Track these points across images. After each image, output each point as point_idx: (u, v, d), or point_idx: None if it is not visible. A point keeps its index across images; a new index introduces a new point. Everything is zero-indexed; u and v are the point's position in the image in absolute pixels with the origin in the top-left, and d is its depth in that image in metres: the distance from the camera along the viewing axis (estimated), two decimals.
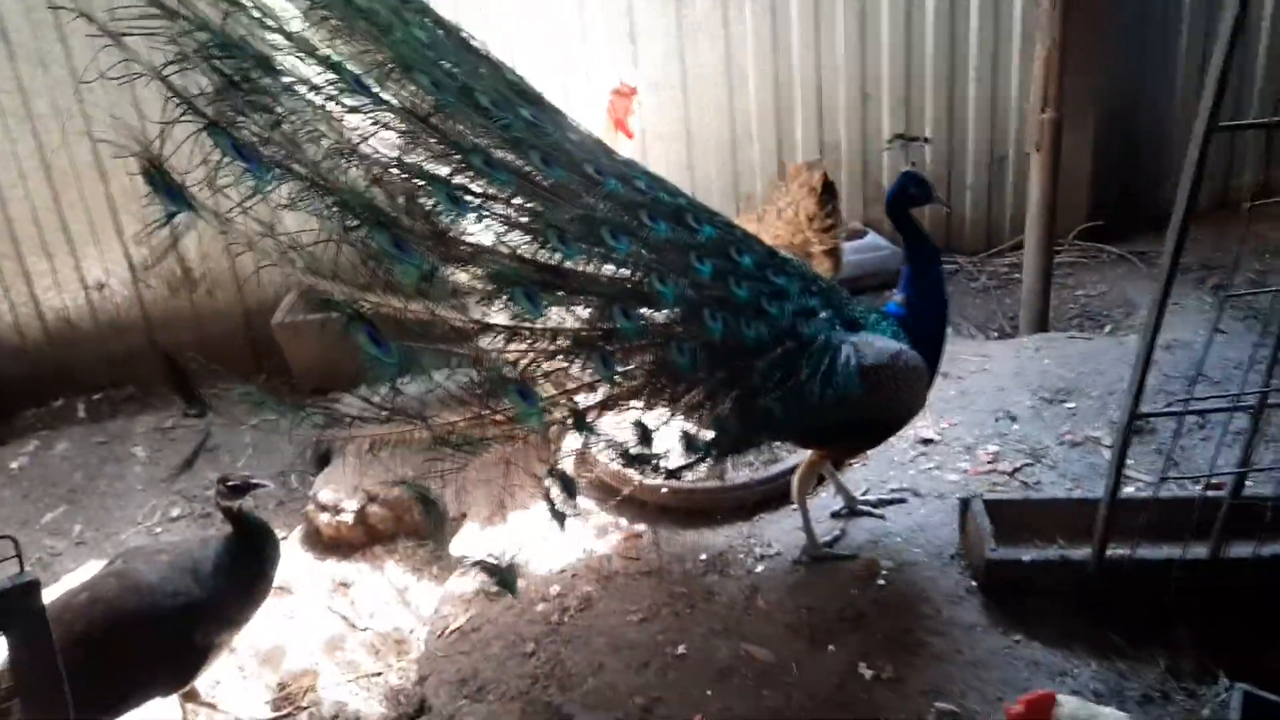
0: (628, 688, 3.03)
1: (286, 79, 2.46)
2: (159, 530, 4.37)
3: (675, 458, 3.08)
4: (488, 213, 2.70)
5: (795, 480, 3.48)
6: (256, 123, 2.37)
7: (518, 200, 2.75)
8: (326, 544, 4.23)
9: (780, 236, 4.74)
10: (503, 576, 2.98)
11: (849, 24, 5.83)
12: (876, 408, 3.14)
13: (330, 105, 2.51)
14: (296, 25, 2.52)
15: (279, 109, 2.41)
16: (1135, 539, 2.92)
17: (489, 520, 4.00)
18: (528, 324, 2.75)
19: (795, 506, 3.51)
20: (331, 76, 2.51)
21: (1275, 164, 6.17)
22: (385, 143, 2.60)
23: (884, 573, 3.35)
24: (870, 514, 3.65)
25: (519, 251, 2.74)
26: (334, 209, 2.45)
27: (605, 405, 2.96)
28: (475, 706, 3.06)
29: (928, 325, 3.23)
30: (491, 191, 2.71)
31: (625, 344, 2.87)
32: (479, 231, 2.68)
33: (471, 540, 3.84)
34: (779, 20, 5.77)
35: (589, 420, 2.95)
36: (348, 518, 4.19)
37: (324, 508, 4.21)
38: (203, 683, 3.28)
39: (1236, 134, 6.02)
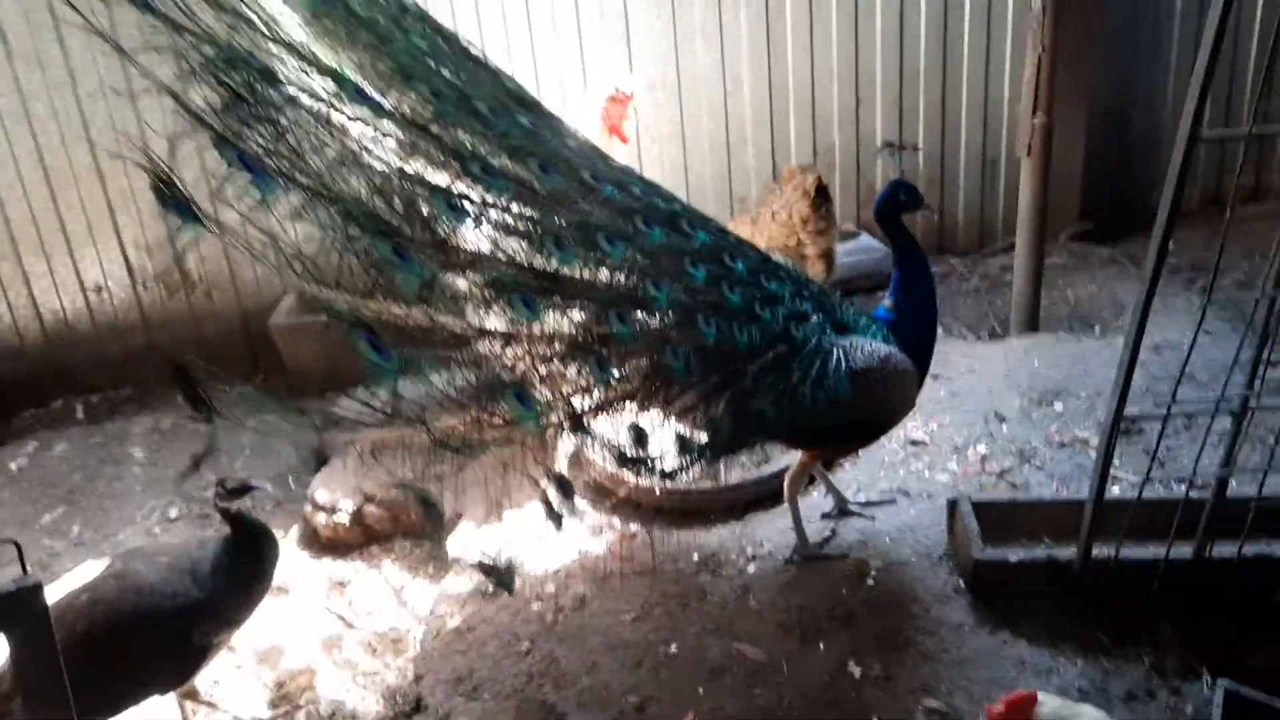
0: (621, 686, 3.06)
1: (290, 90, 2.48)
2: (157, 531, 4.40)
3: (670, 460, 3.11)
4: (486, 220, 2.73)
5: (787, 481, 3.52)
6: (262, 134, 2.40)
7: (516, 207, 2.78)
8: (323, 544, 4.26)
9: (775, 238, 4.79)
10: (500, 577, 3.02)
11: (843, 28, 5.88)
12: (866, 409, 3.18)
13: (333, 115, 2.54)
14: (299, 36, 2.54)
15: (283, 120, 2.44)
16: (1121, 539, 2.96)
17: (484, 520, 4.03)
18: (525, 329, 2.79)
19: (787, 507, 3.55)
20: (334, 87, 2.54)
21: (1265, 166, 6.22)
22: (386, 152, 2.63)
23: (874, 572, 3.39)
24: (860, 514, 3.69)
25: (516, 258, 2.77)
26: (337, 219, 2.47)
27: (601, 408, 2.99)
28: (471, 705, 3.09)
29: (917, 329, 3.27)
30: (490, 199, 2.75)
31: (620, 348, 2.90)
32: (477, 239, 2.71)
33: (467, 540, 3.87)
34: (773, 24, 5.82)
35: (586, 423, 2.99)
36: (344, 518, 4.23)
37: (321, 508, 4.25)
38: (201, 681, 3.31)
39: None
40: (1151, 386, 4.12)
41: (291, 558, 4.08)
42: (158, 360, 5.72)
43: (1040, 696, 2.30)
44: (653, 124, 5.84)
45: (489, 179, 2.73)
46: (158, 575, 3.05)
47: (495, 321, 2.77)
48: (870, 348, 3.11)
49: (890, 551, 3.49)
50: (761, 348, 2.98)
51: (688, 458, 3.11)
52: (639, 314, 2.89)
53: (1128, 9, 5.96)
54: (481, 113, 2.78)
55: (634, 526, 3.83)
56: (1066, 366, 4.50)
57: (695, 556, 3.61)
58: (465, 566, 3.50)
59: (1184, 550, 2.99)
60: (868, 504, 3.74)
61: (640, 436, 3.09)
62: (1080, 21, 5.34)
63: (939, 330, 3.65)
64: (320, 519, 4.24)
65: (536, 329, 2.81)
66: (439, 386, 2.71)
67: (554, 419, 2.94)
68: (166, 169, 2.28)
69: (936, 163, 6.20)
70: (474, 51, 2.96)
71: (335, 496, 4.25)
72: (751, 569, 3.52)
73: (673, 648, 3.19)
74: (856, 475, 3.94)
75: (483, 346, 2.78)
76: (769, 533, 3.68)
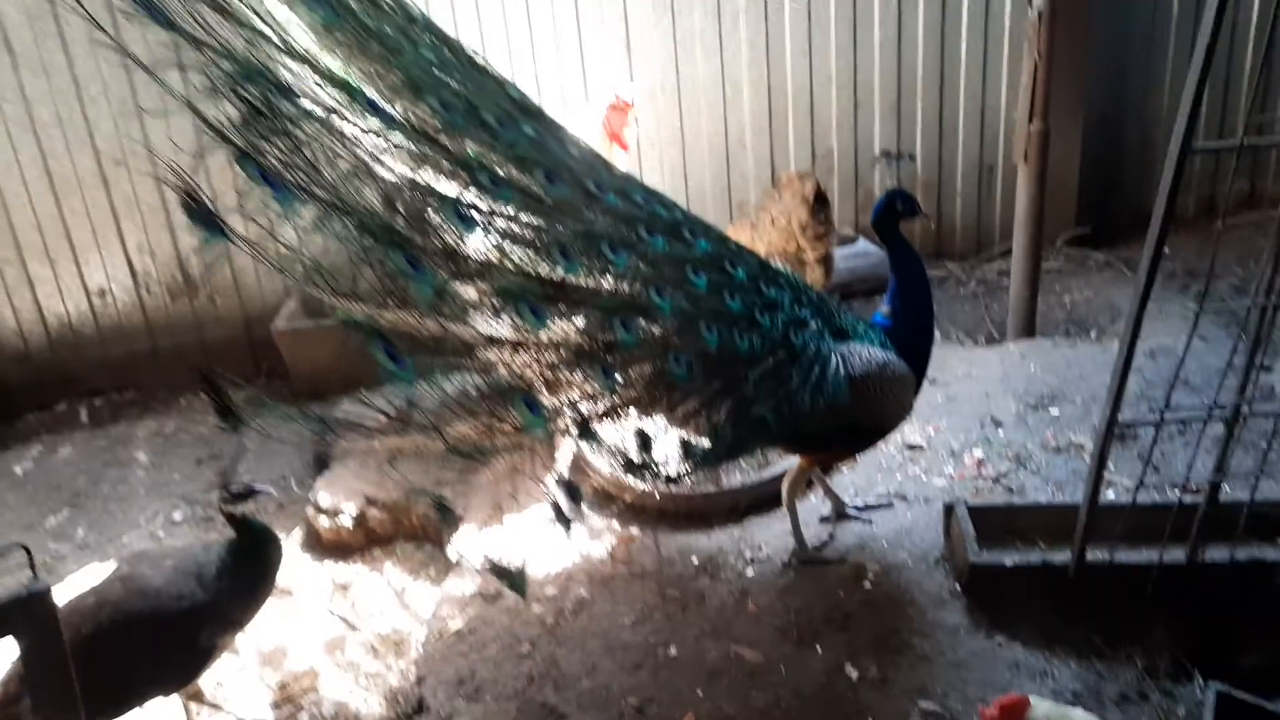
0: (621, 688, 3.10)
1: (305, 104, 2.53)
2: (161, 534, 4.43)
3: (674, 464, 3.15)
4: (494, 229, 2.77)
5: (785, 485, 3.55)
6: (280, 148, 2.45)
7: (523, 216, 2.82)
8: (326, 546, 4.31)
9: (774, 244, 4.83)
10: (513, 580, 3.06)
11: (841, 35, 5.91)
12: (864, 415, 3.22)
13: (346, 128, 2.58)
14: (313, 50, 2.58)
15: (299, 134, 2.49)
16: (1115, 543, 3.00)
17: (485, 523, 4.06)
18: (533, 337, 2.83)
19: (785, 511, 3.59)
20: (346, 99, 2.58)
21: (1260, 173, 6.26)
22: (398, 163, 2.67)
23: (870, 576, 3.42)
24: (858, 518, 3.72)
25: (524, 266, 2.81)
26: (353, 230, 2.52)
27: (607, 414, 3.03)
28: (472, 706, 3.12)
29: (913, 335, 3.30)
30: (498, 208, 2.78)
31: (625, 355, 2.94)
32: (486, 248, 2.75)
33: (469, 543, 3.90)
34: (772, 31, 5.85)
35: (593, 429, 3.03)
36: (347, 521, 4.27)
37: (323, 511, 4.29)
38: (206, 682, 3.35)
39: (1222, 137, 6.13)
40: (1146, 391, 4.16)
41: (294, 560, 4.12)
42: (161, 364, 5.78)
43: (1032, 700, 2.34)
44: (653, 130, 5.87)
45: (497, 189, 2.77)
46: (164, 578, 3.08)
47: (504, 330, 2.81)
48: (868, 354, 3.15)
49: (887, 555, 3.52)
50: (762, 354, 3.02)
51: (691, 463, 3.14)
52: (642, 321, 2.93)
53: (1123, 16, 6.00)
54: (489, 123, 2.81)
55: (634, 530, 3.86)
56: (1062, 371, 4.54)
57: (694, 560, 3.65)
58: (480, 568, 3.52)
59: (1177, 554, 3.02)
60: (865, 508, 3.77)
61: (646, 442, 3.12)
62: (1076, 29, 5.39)
63: (936, 335, 3.69)
64: (323, 522, 4.28)
65: (544, 336, 2.85)
66: (452, 394, 2.75)
67: (562, 425, 2.98)
68: (194, 185, 2.35)
69: (934, 169, 6.23)
70: (479, 60, 2.98)
71: (337, 500, 4.30)
72: (750, 572, 3.55)
73: (672, 650, 3.23)
74: (854, 479, 3.97)
75: (492, 354, 2.82)
76: (767, 536, 3.71)
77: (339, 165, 2.56)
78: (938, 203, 6.26)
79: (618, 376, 2.95)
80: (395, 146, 2.65)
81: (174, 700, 3.24)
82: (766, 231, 4.90)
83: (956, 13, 5.91)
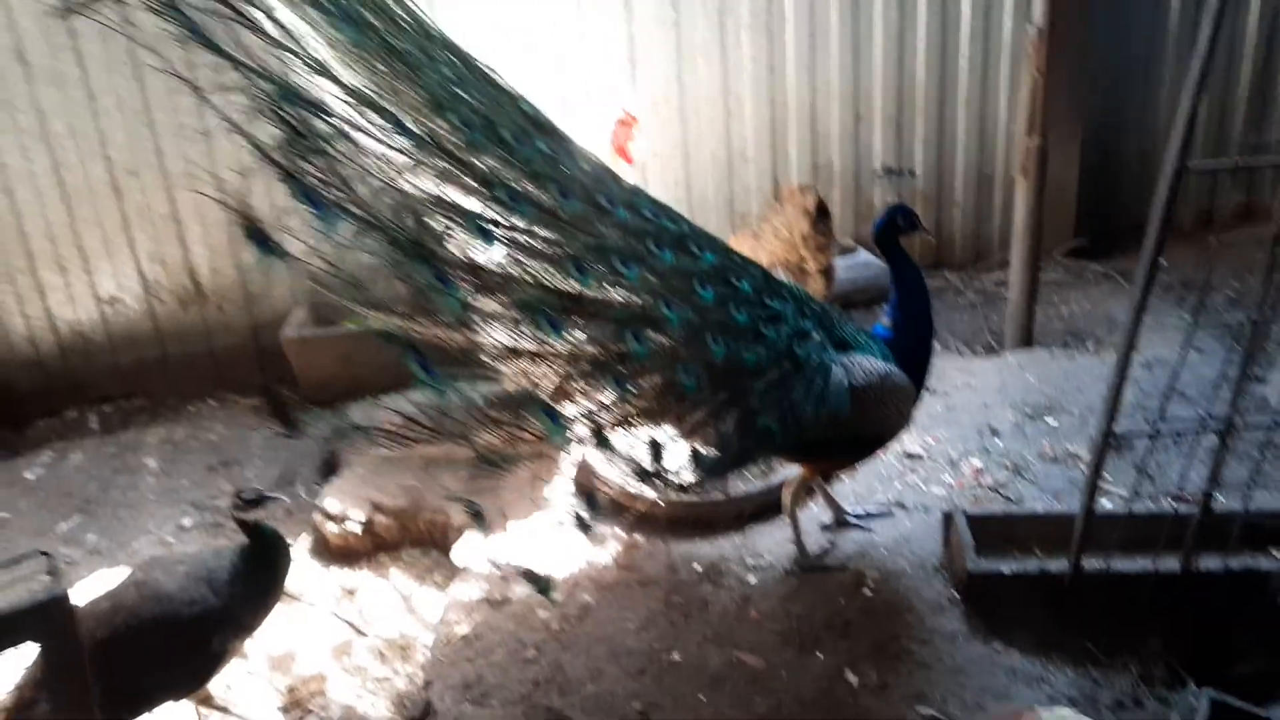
0: (625, 693, 3.15)
1: (338, 124, 2.62)
2: (171, 540, 4.48)
3: (684, 473, 3.21)
4: (513, 244, 2.85)
5: (787, 494, 3.61)
6: (317, 166, 2.56)
7: (539, 231, 2.89)
8: (334, 552, 4.36)
9: (776, 254, 4.90)
10: (542, 584, 3.16)
11: (843, 48, 5.99)
12: (865, 425, 3.27)
13: (375, 146, 2.67)
14: (343, 71, 2.67)
15: (333, 152, 2.59)
16: (1110, 552, 3.06)
17: (491, 530, 4.11)
18: (551, 348, 2.90)
19: (786, 519, 3.64)
20: (375, 118, 2.67)
21: (1255, 188, 6.33)
22: (423, 179, 2.75)
23: (870, 583, 3.47)
24: (858, 526, 3.77)
25: (541, 280, 2.88)
26: (385, 245, 2.63)
27: (620, 423, 3.10)
28: (479, 711, 3.16)
29: (914, 346, 3.36)
30: (515, 223, 2.86)
31: (636, 365, 3.00)
32: (506, 262, 2.83)
33: (474, 550, 3.96)
34: (775, 45, 5.93)
35: (608, 438, 3.09)
36: (354, 527, 4.32)
37: (331, 517, 4.34)
38: (215, 686, 3.40)
39: (1219, 153, 6.21)
40: (1142, 402, 4.22)
41: (302, 566, 4.17)
42: (170, 372, 5.85)
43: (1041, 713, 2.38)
44: (657, 142, 5.94)
45: (515, 204, 2.84)
46: (176, 583, 3.13)
47: (525, 341, 2.88)
48: (869, 365, 3.21)
49: (887, 563, 3.57)
50: (767, 365, 3.07)
51: (700, 471, 3.20)
52: (652, 333, 2.99)
53: (1121, 33, 6.07)
54: (506, 140, 2.87)
55: (637, 537, 3.91)
56: (1060, 382, 4.59)
57: (697, 567, 3.70)
58: (511, 573, 3.61)
59: (1172, 563, 3.07)
60: (865, 516, 3.82)
61: (657, 451, 3.18)
62: (1075, 45, 5.47)
63: (935, 346, 3.75)
64: (331, 528, 4.33)
65: (561, 348, 2.92)
66: (479, 403, 2.84)
67: (580, 434, 3.05)
68: (246, 206, 2.49)
69: (934, 180, 6.30)
70: (493, 76, 3.04)
71: (345, 506, 4.35)
72: (752, 579, 3.60)
73: (675, 656, 3.28)
74: (854, 488, 4.02)
75: (514, 365, 2.89)
76: (769, 544, 3.76)
77: (370, 183, 2.66)
78: (937, 214, 6.34)
79: (630, 387, 3.01)
80: (420, 164, 2.73)
81: (184, 704, 3.29)
82: (769, 242, 4.97)
83: (956, 27, 6.00)
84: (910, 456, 4.16)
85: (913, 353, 3.35)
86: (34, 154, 5.40)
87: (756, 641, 3.29)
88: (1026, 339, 5.08)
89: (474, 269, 2.80)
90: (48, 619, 2.30)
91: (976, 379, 4.71)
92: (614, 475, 3.74)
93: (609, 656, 3.31)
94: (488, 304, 2.82)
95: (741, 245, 4.64)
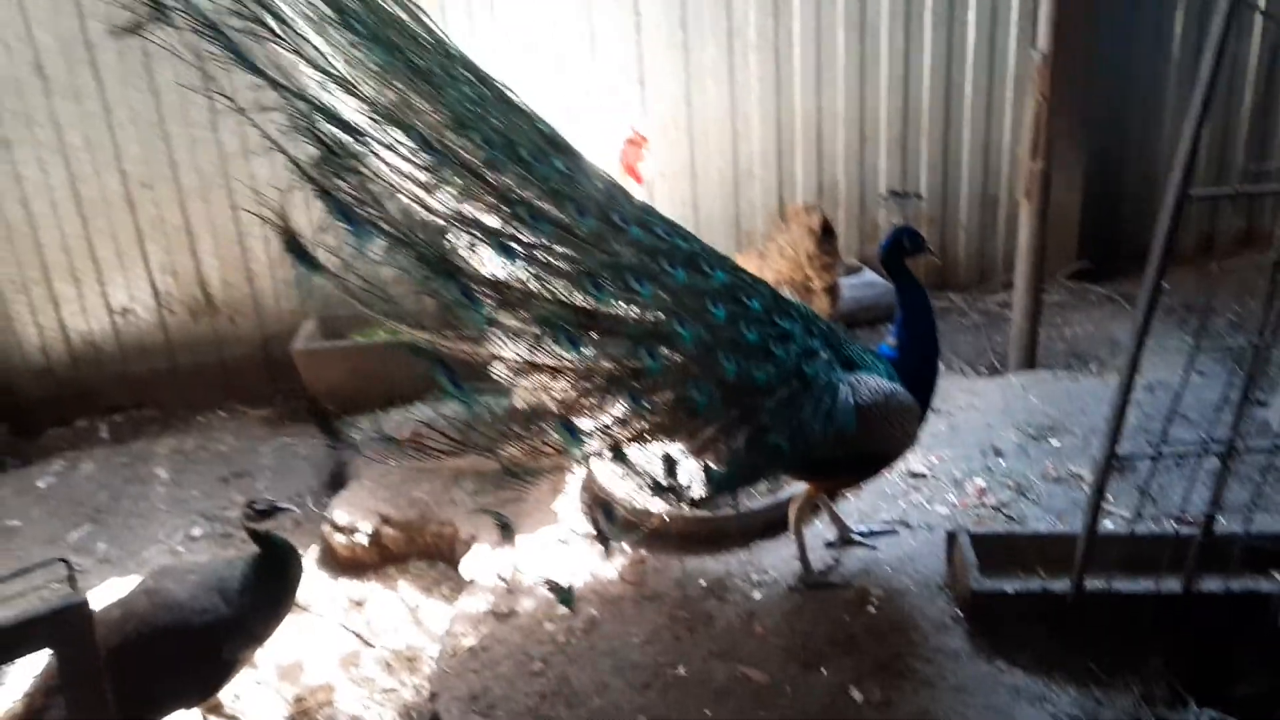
0: (631, 706, 3.17)
1: (368, 142, 2.70)
2: (180, 549, 4.53)
3: (697, 488, 3.24)
4: (533, 260, 2.90)
5: (792, 511, 3.64)
6: (349, 184, 2.64)
7: (557, 248, 2.93)
8: (342, 563, 4.40)
9: (782, 273, 4.96)
10: (564, 595, 3.22)
11: (849, 70, 6.05)
12: (870, 443, 3.31)
13: (403, 164, 2.74)
14: (372, 90, 2.74)
15: (364, 170, 2.67)
16: (1113, 572, 3.09)
17: (498, 544, 4.15)
18: (569, 363, 2.95)
19: (792, 535, 3.68)
20: (403, 137, 2.74)
21: (1256, 213, 6.38)
22: (447, 197, 2.82)
23: (874, 600, 3.50)
24: (862, 544, 3.80)
25: (559, 296, 2.93)
26: (413, 261, 2.71)
27: (636, 438, 3.13)
28: None
29: (920, 367, 3.40)
30: (535, 240, 2.91)
31: (650, 381, 3.04)
32: (526, 278, 2.89)
33: (482, 563, 3.99)
34: (782, 66, 6.00)
35: (624, 452, 3.14)
36: (362, 539, 4.36)
37: (340, 529, 4.39)
38: (225, 695, 3.44)
39: (1221, 178, 6.27)
40: (1144, 424, 4.24)
41: (311, 577, 4.20)
42: (180, 382, 5.90)
43: None
44: (665, 161, 6.00)
45: (535, 222, 2.90)
46: (188, 592, 3.18)
47: (544, 357, 2.93)
48: (875, 384, 3.25)
49: (891, 580, 3.60)
50: (777, 384, 3.11)
51: (711, 487, 3.23)
52: (665, 350, 3.03)
53: (1124, 58, 6.14)
54: (525, 158, 2.92)
55: (643, 552, 3.94)
56: (1063, 403, 4.63)
57: (703, 582, 3.72)
58: (537, 583, 3.66)
59: (1173, 585, 3.10)
60: (869, 534, 3.85)
61: (671, 466, 3.22)
62: (1078, 70, 5.53)
63: (940, 367, 3.79)
64: (339, 539, 4.37)
65: (579, 363, 2.96)
66: (503, 416, 2.91)
67: (597, 448, 3.09)
68: (291, 225, 2.59)
69: (938, 201, 6.36)
70: (510, 96, 3.10)
71: (354, 518, 4.40)
72: (757, 595, 3.63)
73: (680, 670, 3.30)
74: (859, 506, 4.06)
75: (534, 379, 2.94)
76: (774, 560, 3.79)
77: (398, 200, 2.73)
78: (941, 235, 6.39)
79: (644, 402, 3.05)
80: (445, 181, 2.80)
81: (194, 713, 3.33)
82: (775, 260, 5.02)
83: (962, 51, 6.06)
84: (914, 475, 4.19)
85: (918, 373, 3.39)
86: (50, 166, 5.48)
87: (761, 657, 3.31)
88: (1030, 360, 5.12)
89: (497, 285, 2.85)
90: (67, 625, 2.33)
91: (980, 399, 4.75)
92: (625, 491, 3.76)
93: (615, 670, 3.33)
94: (509, 320, 2.88)
95: (748, 263, 4.68)
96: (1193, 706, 2.96)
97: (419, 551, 4.44)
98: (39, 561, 2.71)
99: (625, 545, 3.99)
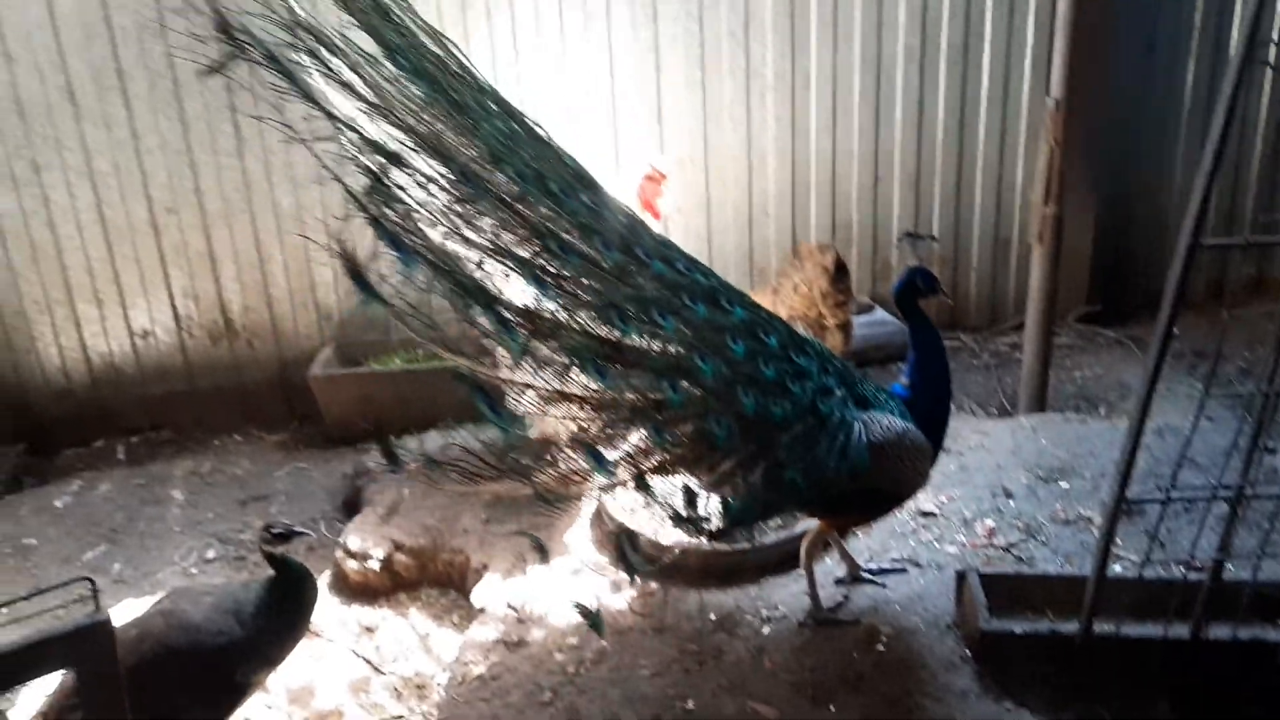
0: None
1: (412, 173, 2.80)
2: (194, 571, 4.56)
3: (715, 520, 3.27)
4: (563, 292, 2.96)
5: (803, 547, 3.67)
6: (395, 213, 2.75)
7: (585, 281, 3.00)
8: (353, 589, 4.42)
9: (796, 309, 5.01)
10: (594, 620, 3.21)
11: (864, 112, 6.15)
12: (883, 481, 3.33)
13: (442, 195, 2.83)
14: (416, 123, 2.84)
15: (409, 200, 2.78)
16: (1121, 616, 3.10)
17: (509, 572, 4.19)
18: (595, 394, 3.00)
19: (802, 571, 3.70)
20: (443, 168, 2.83)
21: (1267, 259, 6.43)
22: (485, 227, 2.90)
23: (884, 638, 3.51)
24: (872, 582, 3.81)
25: (586, 328, 2.99)
26: (454, 289, 2.80)
27: (658, 470, 3.17)
28: None
29: (931, 406, 3.43)
30: (564, 272, 2.97)
31: (671, 414, 3.08)
32: (555, 309, 2.95)
33: (493, 591, 4.02)
34: (798, 107, 6.10)
35: (647, 482, 3.17)
36: (375, 565, 4.39)
37: (353, 555, 4.42)
38: (236, 718, 3.46)
39: (1232, 227, 6.33)
40: (1154, 469, 4.27)
41: (322, 602, 4.22)
42: (197, 405, 5.98)
43: None
44: (681, 196, 6.08)
45: (565, 255, 2.96)
46: (203, 614, 3.20)
47: (573, 386, 2.99)
48: (889, 422, 3.28)
49: (900, 618, 3.61)
50: (794, 420, 3.14)
51: (729, 520, 3.26)
52: (686, 383, 3.07)
53: (1137, 105, 6.24)
54: (554, 192, 2.99)
55: (654, 585, 3.96)
56: (1072, 446, 4.65)
57: (712, 616, 3.74)
58: (547, 613, 3.70)
59: (1181, 630, 3.11)
60: (879, 571, 3.86)
61: (691, 498, 3.26)
62: (1092, 117, 5.61)
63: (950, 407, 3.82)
64: (351, 565, 4.40)
65: (605, 394, 3.02)
66: (535, 444, 2.97)
67: (622, 477, 3.13)
68: (353, 254, 2.68)
69: (950, 242, 6.43)
70: (539, 131, 3.17)
71: (367, 544, 4.43)
72: (767, 630, 3.64)
73: (690, 704, 3.30)
74: (869, 544, 4.08)
75: (564, 408, 3.00)
76: (784, 596, 3.80)
77: (438, 229, 2.82)
78: (954, 275, 6.45)
79: (666, 434, 3.10)
80: (480, 213, 2.88)
81: None
82: (788, 297, 5.08)
83: (976, 96, 6.16)
84: (925, 514, 4.21)
85: (930, 412, 3.42)
86: (78, 190, 5.60)
87: (770, 692, 3.32)
88: (1040, 402, 5.15)
89: (529, 315, 2.92)
90: (90, 643, 2.36)
91: (990, 440, 4.78)
92: (638, 525, 3.80)
93: (624, 701, 3.34)
94: (540, 349, 2.94)
95: (762, 299, 4.73)
96: None
97: (430, 579, 4.47)
98: (63, 581, 2.74)
99: (648, 576, 4.00)
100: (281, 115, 2.62)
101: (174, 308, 5.90)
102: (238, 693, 3.25)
